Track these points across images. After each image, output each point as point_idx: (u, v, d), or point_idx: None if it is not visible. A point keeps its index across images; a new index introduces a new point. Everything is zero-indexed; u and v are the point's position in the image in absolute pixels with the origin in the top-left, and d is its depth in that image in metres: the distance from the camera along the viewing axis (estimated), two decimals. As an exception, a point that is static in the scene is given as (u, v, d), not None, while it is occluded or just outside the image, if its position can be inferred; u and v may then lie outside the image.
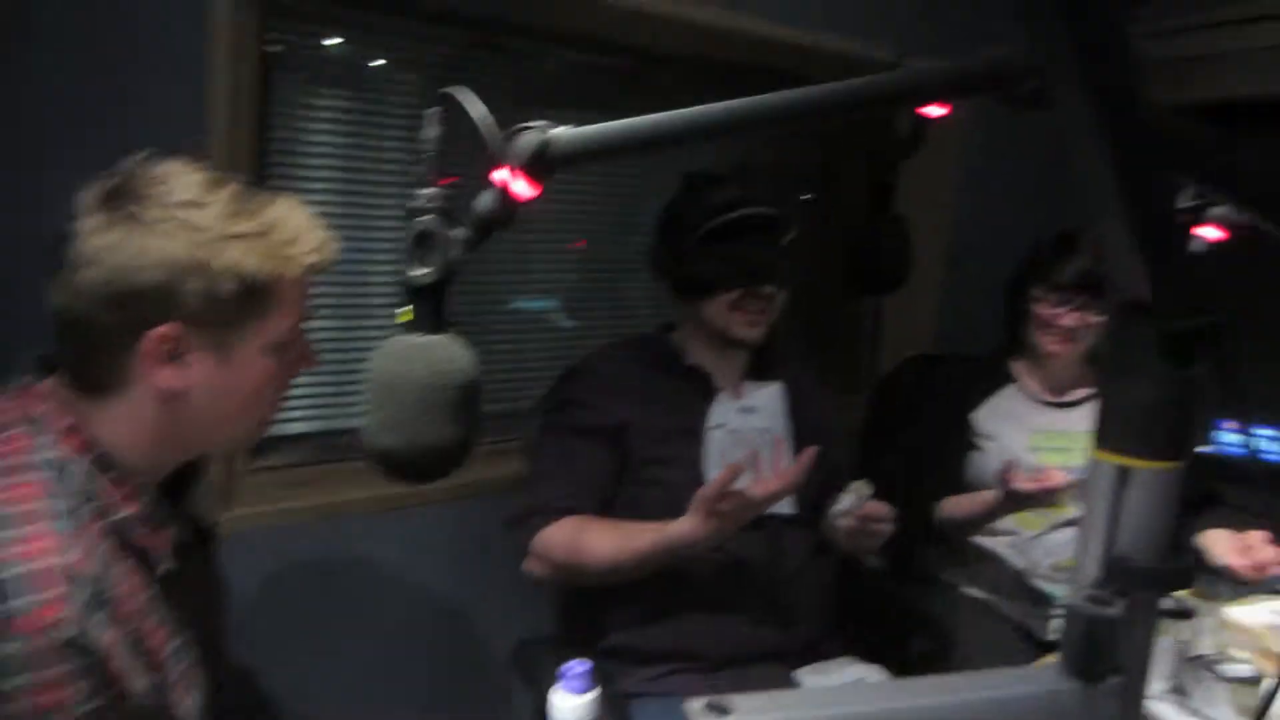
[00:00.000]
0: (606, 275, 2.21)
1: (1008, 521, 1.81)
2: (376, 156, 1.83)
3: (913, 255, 1.41)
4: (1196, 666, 1.24)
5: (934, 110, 1.18)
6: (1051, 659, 0.96)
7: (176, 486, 0.99)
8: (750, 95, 0.81)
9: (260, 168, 1.66)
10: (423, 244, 0.79)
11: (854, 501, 1.45)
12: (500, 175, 0.79)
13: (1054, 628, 1.73)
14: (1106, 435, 0.56)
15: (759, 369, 1.66)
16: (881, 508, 1.47)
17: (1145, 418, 0.54)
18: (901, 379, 2.07)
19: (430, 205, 0.79)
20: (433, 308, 0.79)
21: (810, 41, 2.09)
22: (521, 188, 0.80)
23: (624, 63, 2.08)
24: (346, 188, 1.81)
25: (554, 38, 1.97)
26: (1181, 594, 1.39)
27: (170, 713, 0.86)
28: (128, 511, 0.87)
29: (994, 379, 1.91)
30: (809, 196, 2.53)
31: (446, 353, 0.77)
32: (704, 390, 1.58)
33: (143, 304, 0.85)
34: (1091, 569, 0.56)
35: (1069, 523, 1.80)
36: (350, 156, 1.80)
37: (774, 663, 1.49)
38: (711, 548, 1.42)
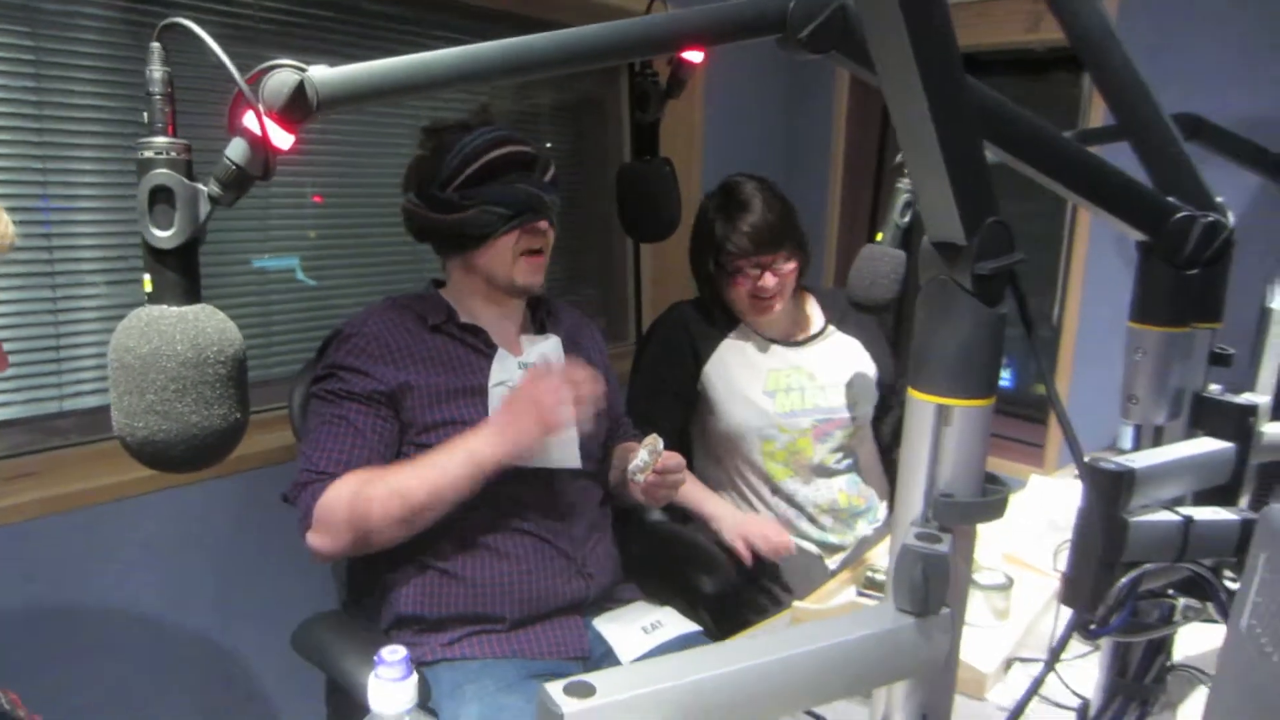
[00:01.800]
0: (350, 230, 2.07)
1: (757, 477, 1.91)
2: (67, 102, 1.59)
3: (679, 198, 1.41)
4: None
5: (693, 55, 1.19)
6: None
7: None
8: (474, 37, 0.75)
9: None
10: (161, 201, 0.67)
11: (649, 458, 1.45)
12: (250, 121, 0.69)
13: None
14: (921, 377, 0.57)
15: (535, 322, 1.62)
16: (676, 459, 1.48)
17: (961, 358, 0.55)
18: (654, 330, 2.10)
19: (166, 157, 0.67)
20: (182, 275, 0.68)
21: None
22: (278, 136, 0.70)
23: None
24: (35, 138, 1.56)
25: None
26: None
27: None
28: None
29: (721, 327, 1.97)
30: (549, 144, 2.49)
31: (209, 325, 0.67)
32: (483, 347, 1.52)
33: None
34: (915, 506, 0.58)
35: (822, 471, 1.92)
36: (35, 103, 1.56)
37: (571, 614, 1.48)
38: (497, 504, 1.39)
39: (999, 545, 1.53)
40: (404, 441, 1.45)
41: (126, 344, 0.67)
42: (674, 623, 1.51)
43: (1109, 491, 0.79)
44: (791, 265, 1.87)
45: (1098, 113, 2.29)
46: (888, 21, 0.48)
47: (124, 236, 1.67)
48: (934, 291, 0.56)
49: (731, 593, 1.74)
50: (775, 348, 1.95)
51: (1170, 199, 0.89)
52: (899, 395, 2.06)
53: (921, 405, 0.57)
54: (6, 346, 1.51)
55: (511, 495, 1.44)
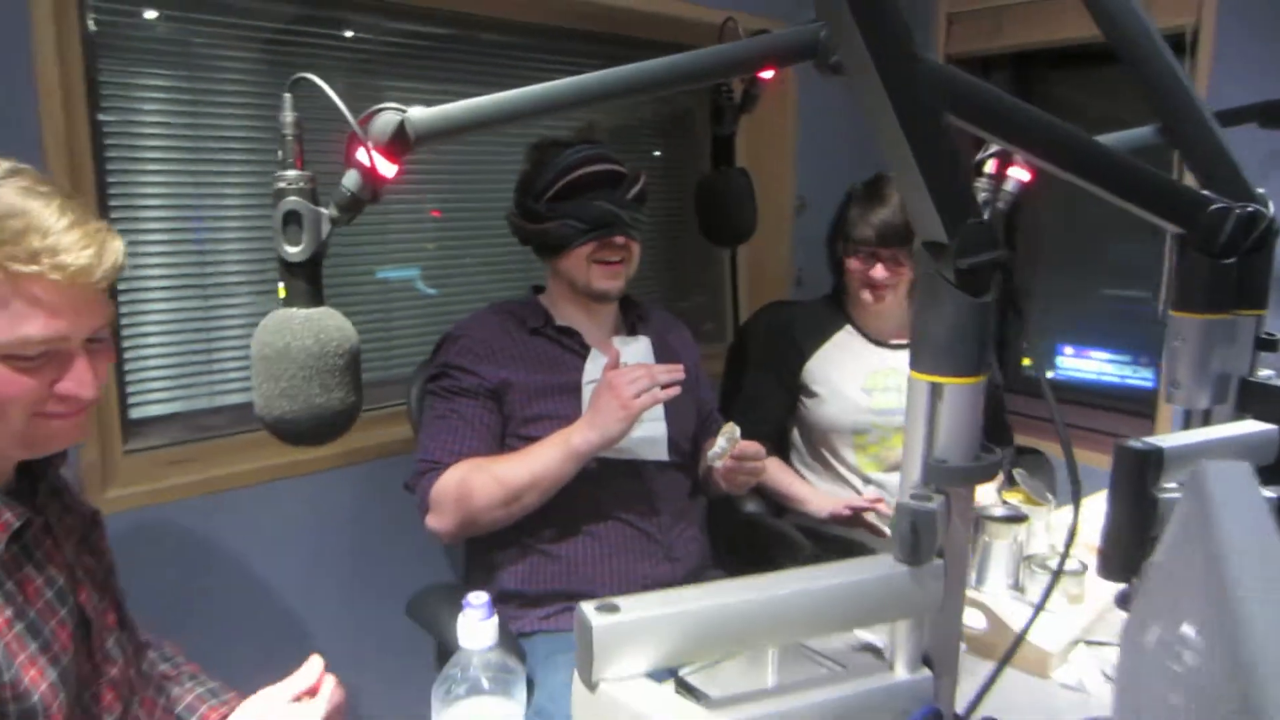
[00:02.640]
0: (467, 242, 2.24)
1: (849, 469, 1.97)
2: (216, 135, 1.80)
3: (755, 206, 1.50)
4: (1030, 565, 1.39)
5: (764, 73, 1.28)
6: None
7: (28, 482, 1.01)
8: (578, 58, 0.87)
9: (97, 151, 1.61)
10: (292, 223, 0.81)
11: (726, 444, 1.55)
12: (361, 155, 0.83)
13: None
14: (919, 359, 0.65)
15: (626, 325, 1.74)
16: (753, 446, 1.58)
17: (949, 341, 0.64)
18: (752, 327, 2.19)
19: (294, 186, 0.82)
20: (308, 283, 0.83)
21: (636, 5, 2.17)
22: (383, 166, 0.83)
23: (447, 30, 2.10)
24: (188, 167, 1.78)
25: (379, 8, 1.97)
26: (1014, 500, 1.56)
27: (1, 689, 0.87)
28: None
29: (831, 323, 2.04)
30: (657, 154, 2.61)
31: (329, 324, 0.81)
32: (577, 348, 1.65)
33: None
34: (915, 472, 0.66)
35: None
36: (187, 135, 1.77)
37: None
38: (592, 493, 1.53)
39: (1086, 536, 1.55)
40: (506, 434, 1.59)
41: (264, 339, 0.81)
42: None
43: (1136, 470, 0.84)
44: (907, 267, 1.91)
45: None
46: (859, 57, 0.57)
47: (264, 252, 1.87)
48: (926, 284, 0.64)
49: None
50: (878, 348, 2.01)
51: (1205, 192, 0.94)
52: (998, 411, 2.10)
53: (918, 384, 0.65)
54: (164, 351, 1.75)
55: (605, 485, 1.57)
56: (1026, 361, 2.98)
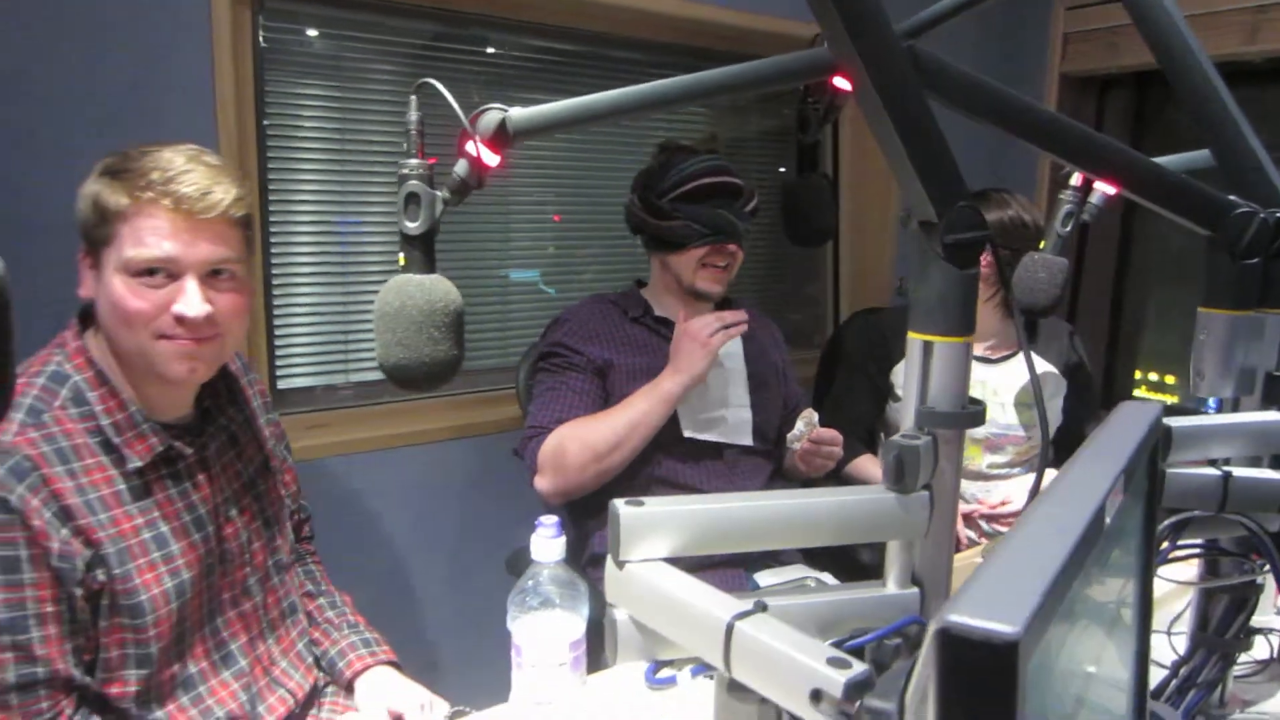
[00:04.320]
0: (577, 244, 2.43)
1: None
2: (361, 139, 2.03)
3: (834, 209, 1.62)
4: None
5: (844, 83, 1.39)
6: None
7: (201, 421, 1.20)
8: (689, 71, 1.01)
9: (260, 153, 1.86)
10: (412, 203, 0.99)
11: (804, 428, 1.67)
12: (470, 147, 0.99)
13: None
14: (915, 320, 0.77)
15: None
16: (831, 433, 1.69)
17: (940, 306, 0.75)
18: (845, 332, 2.28)
19: (416, 172, 0.99)
20: (424, 253, 1.00)
21: (745, 23, 2.35)
22: (487, 157, 1.00)
23: (577, 47, 2.29)
24: (338, 167, 2.01)
25: (513, 27, 2.17)
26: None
27: (108, 580, 1.04)
28: (110, 419, 1.08)
29: None
30: (769, 168, 2.74)
31: (438, 287, 0.98)
32: (671, 336, 1.79)
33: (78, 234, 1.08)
34: (910, 419, 0.77)
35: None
36: (337, 139, 2.00)
37: (736, 566, 1.71)
38: (676, 469, 1.68)
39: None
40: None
41: (385, 299, 0.99)
42: (801, 572, 1.71)
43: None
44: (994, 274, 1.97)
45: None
46: (847, 50, 0.69)
47: (396, 247, 2.08)
48: (922, 259, 0.76)
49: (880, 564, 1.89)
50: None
51: (1231, 197, 1.01)
52: (1082, 397, 2.12)
53: (914, 342, 0.77)
54: (307, 332, 1.98)
55: (692, 463, 1.71)
56: (1150, 375, 2.95)
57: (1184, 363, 2.78)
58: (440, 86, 0.98)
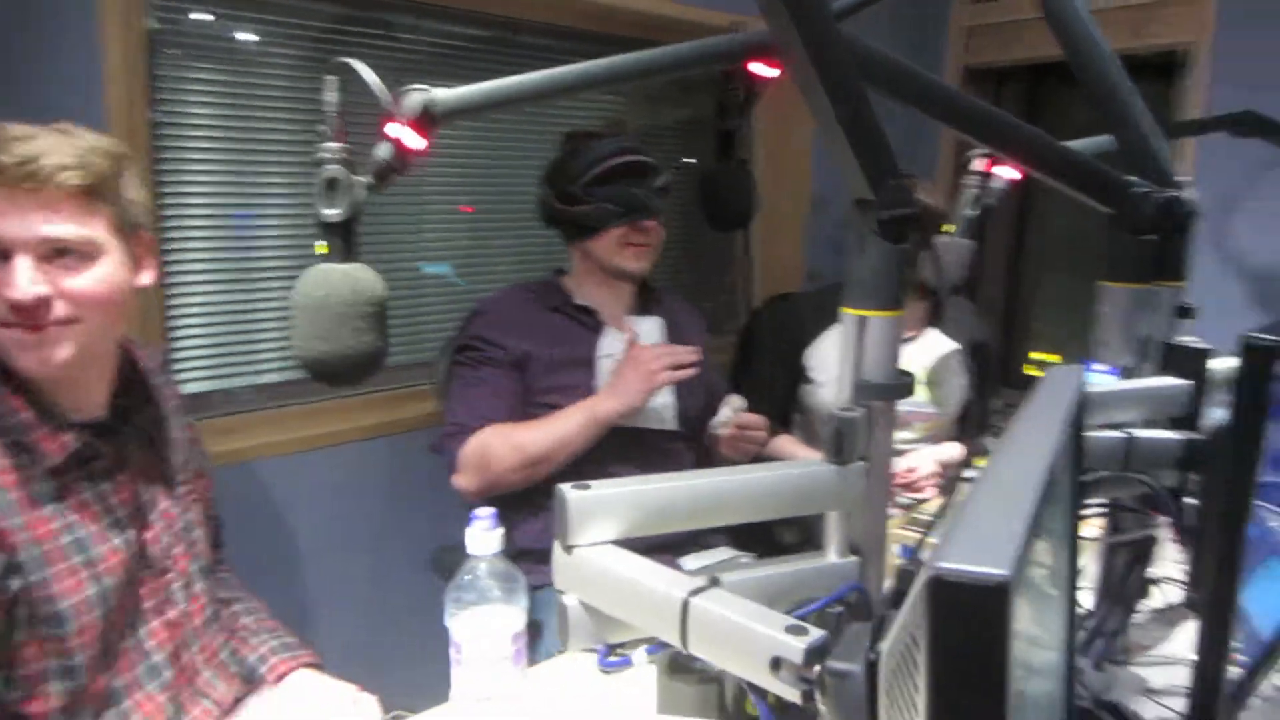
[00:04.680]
0: (490, 236, 2.39)
1: None
2: (259, 128, 1.94)
3: (754, 195, 1.64)
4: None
5: (766, 70, 1.41)
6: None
7: (117, 421, 1.13)
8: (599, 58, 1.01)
9: (153, 140, 1.76)
10: (332, 188, 0.96)
11: (730, 413, 1.69)
12: (392, 129, 0.97)
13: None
14: (850, 296, 0.79)
15: (640, 305, 1.89)
16: (755, 418, 1.72)
17: (874, 281, 0.77)
18: (759, 318, 2.32)
19: (335, 156, 0.96)
20: (344, 241, 0.97)
21: (655, 9, 2.35)
22: (411, 139, 0.98)
23: (487, 32, 2.25)
24: (235, 158, 1.92)
25: (420, 10, 2.12)
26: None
27: (24, 590, 0.98)
28: (15, 418, 1.01)
29: (834, 313, 2.15)
30: (679, 154, 2.76)
31: (361, 276, 0.95)
32: (592, 325, 1.79)
33: None
34: (846, 392, 0.79)
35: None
36: (234, 128, 1.91)
37: (663, 553, 1.72)
38: (601, 456, 1.66)
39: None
40: (526, 403, 1.73)
41: (305, 289, 0.95)
42: (726, 553, 1.74)
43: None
44: None
45: (1198, 112, 2.41)
46: (789, 35, 0.70)
47: (301, 242, 2.02)
48: (856, 234, 0.77)
49: (808, 543, 1.93)
50: None
51: (1131, 178, 1.06)
52: (984, 372, 2.21)
53: (849, 317, 0.78)
54: (205, 334, 1.88)
55: (614, 449, 1.70)
56: (1037, 356, 3.08)
57: (1069, 344, 2.93)
58: (360, 67, 0.96)
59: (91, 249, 1.03)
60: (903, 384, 0.78)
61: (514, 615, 0.97)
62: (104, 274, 1.04)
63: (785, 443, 2.10)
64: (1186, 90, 2.49)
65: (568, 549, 0.70)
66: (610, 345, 1.78)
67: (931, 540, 0.81)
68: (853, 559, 0.78)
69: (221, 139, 1.90)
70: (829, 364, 2.11)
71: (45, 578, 1.00)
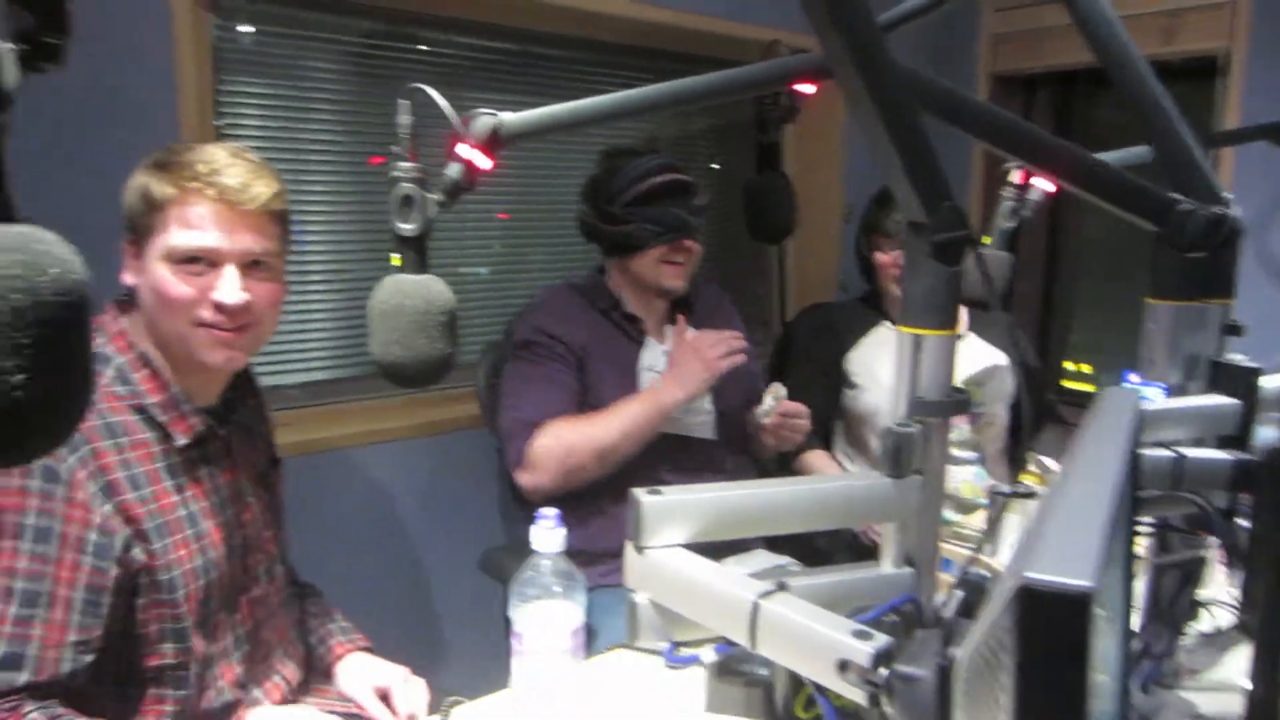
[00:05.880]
0: (529, 242, 2.44)
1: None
2: (304, 135, 2.00)
3: (795, 206, 1.68)
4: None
5: (805, 88, 1.45)
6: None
7: (226, 409, 1.24)
8: (633, 72, 1.05)
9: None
10: (406, 205, 1.01)
11: (772, 402, 1.74)
12: (462, 150, 1.01)
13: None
14: (905, 315, 0.82)
15: (671, 315, 1.91)
16: (798, 406, 1.76)
17: (928, 301, 0.80)
18: (797, 326, 2.35)
19: (409, 175, 1.01)
20: (418, 254, 1.01)
21: (693, 25, 2.36)
22: (480, 160, 1.02)
23: (514, 46, 2.29)
24: (283, 165, 1.95)
25: (453, 26, 2.17)
26: (1029, 481, 1.70)
27: (147, 557, 1.08)
28: (154, 399, 1.12)
29: (869, 320, 2.20)
30: (711, 165, 2.80)
31: (434, 287, 1.00)
32: (635, 334, 1.83)
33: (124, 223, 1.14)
34: (902, 408, 0.82)
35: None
36: (281, 136, 1.97)
37: (702, 555, 1.75)
38: (646, 461, 1.70)
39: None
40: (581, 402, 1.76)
41: (381, 298, 1.00)
42: (774, 560, 1.77)
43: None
44: None
45: (1233, 119, 2.41)
46: (845, 65, 0.74)
47: (345, 247, 2.07)
48: (911, 256, 0.81)
49: (843, 549, 1.96)
50: None
51: (1176, 195, 1.08)
52: (1033, 394, 2.22)
53: (905, 336, 0.82)
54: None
55: (658, 454, 1.73)
56: (1070, 366, 3.08)
57: (1101, 352, 2.93)
58: (432, 92, 1.00)
59: (276, 264, 1.18)
60: (957, 401, 0.81)
61: (573, 611, 1.02)
62: (279, 287, 1.20)
63: (818, 459, 2.13)
64: (1218, 97, 2.49)
65: (640, 550, 0.74)
66: (651, 358, 1.82)
67: (983, 556, 0.85)
68: (908, 570, 0.81)
69: (271, 146, 1.96)
70: (872, 368, 2.14)
71: (165, 547, 1.10)
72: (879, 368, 2.13)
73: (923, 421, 0.80)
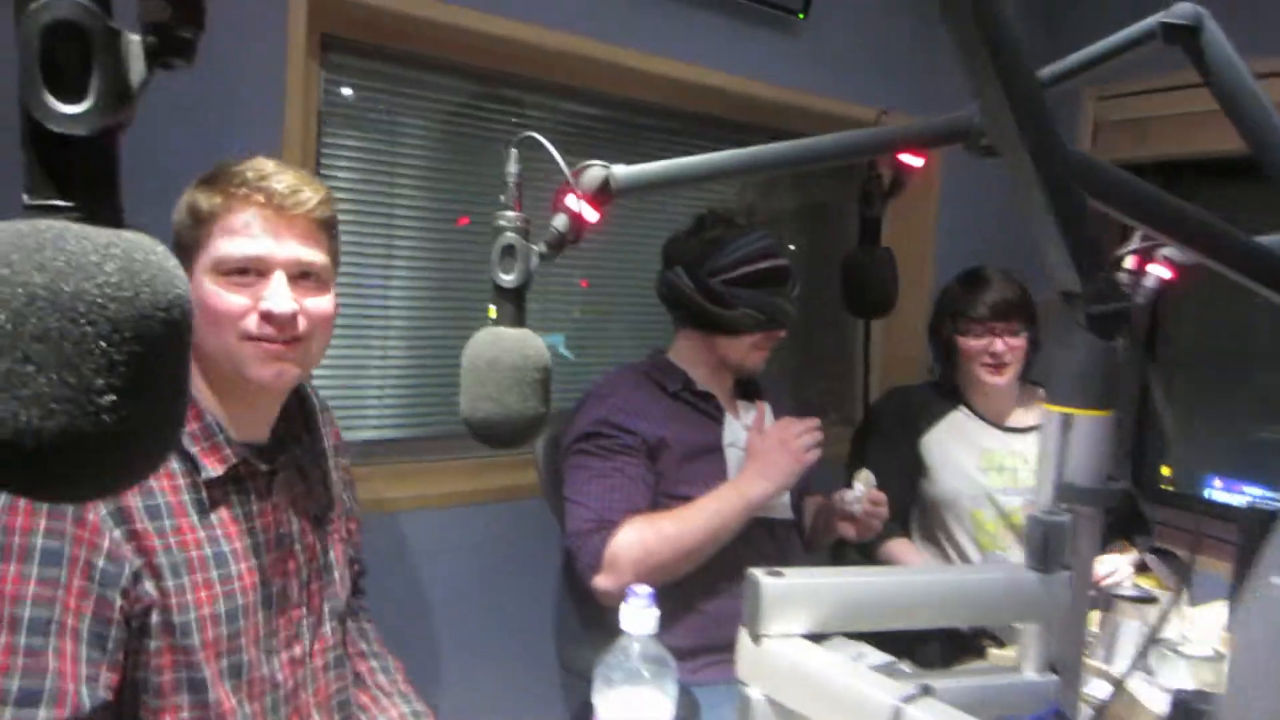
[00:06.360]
0: (601, 312, 2.40)
1: (970, 544, 2.01)
2: (395, 193, 2.01)
3: (896, 282, 1.62)
4: (1163, 649, 1.40)
5: (912, 160, 1.39)
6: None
7: (282, 442, 1.18)
8: (729, 146, 1.01)
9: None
10: (508, 255, 0.97)
11: (863, 489, 1.65)
12: (571, 202, 0.98)
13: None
14: (1054, 392, 0.75)
15: (739, 390, 1.86)
16: (883, 495, 1.69)
17: (1081, 378, 0.73)
18: (882, 409, 2.27)
19: (512, 225, 0.97)
20: (516, 307, 0.97)
21: (794, 100, 2.35)
22: (588, 213, 0.98)
23: (611, 112, 2.31)
24: (370, 221, 1.98)
25: (554, 90, 2.18)
26: (1146, 585, 1.57)
27: (158, 594, 1.00)
28: (186, 427, 1.04)
29: (945, 405, 2.13)
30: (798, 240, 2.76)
31: (531, 342, 0.95)
32: (713, 412, 1.76)
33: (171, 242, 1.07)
34: (1047, 494, 0.74)
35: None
36: (369, 193, 1.98)
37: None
38: (731, 549, 1.60)
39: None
40: (656, 493, 1.65)
41: (477, 351, 0.95)
42: (874, 655, 1.65)
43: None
44: (1022, 340, 2.02)
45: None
46: (1010, 137, 0.68)
47: (425, 304, 2.07)
48: (1061, 328, 0.74)
49: (926, 637, 1.84)
50: (994, 430, 2.07)
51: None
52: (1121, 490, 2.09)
53: (1052, 414, 0.74)
54: (339, 387, 1.93)
55: (743, 540, 1.63)
56: (1166, 471, 2.92)
57: (1188, 456, 2.76)
58: (544, 141, 0.97)
59: (327, 275, 1.13)
60: (1113, 490, 0.73)
61: (662, 703, 0.93)
62: (331, 299, 1.14)
63: (901, 548, 2.02)
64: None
65: (756, 638, 0.67)
66: (733, 433, 1.75)
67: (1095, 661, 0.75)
68: (1052, 678, 0.73)
69: (363, 201, 1.97)
70: (947, 455, 2.05)
71: (182, 584, 1.02)
72: (955, 453, 2.05)
73: (1073, 510, 0.72)
